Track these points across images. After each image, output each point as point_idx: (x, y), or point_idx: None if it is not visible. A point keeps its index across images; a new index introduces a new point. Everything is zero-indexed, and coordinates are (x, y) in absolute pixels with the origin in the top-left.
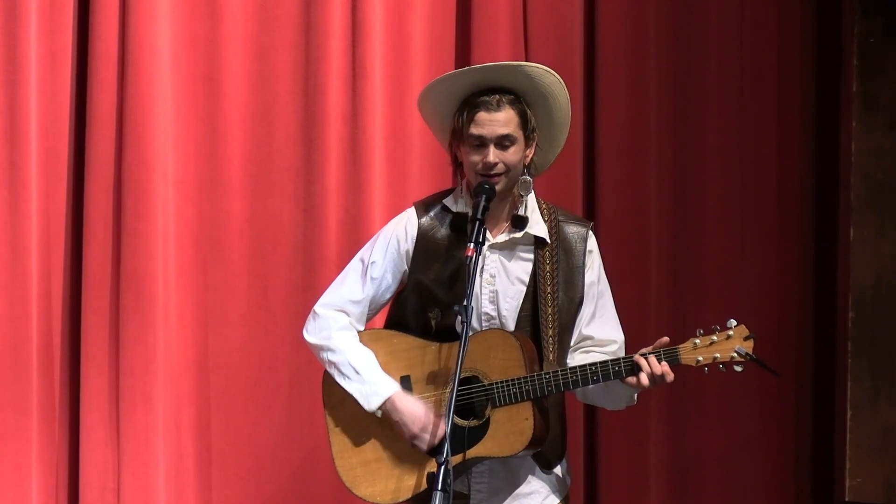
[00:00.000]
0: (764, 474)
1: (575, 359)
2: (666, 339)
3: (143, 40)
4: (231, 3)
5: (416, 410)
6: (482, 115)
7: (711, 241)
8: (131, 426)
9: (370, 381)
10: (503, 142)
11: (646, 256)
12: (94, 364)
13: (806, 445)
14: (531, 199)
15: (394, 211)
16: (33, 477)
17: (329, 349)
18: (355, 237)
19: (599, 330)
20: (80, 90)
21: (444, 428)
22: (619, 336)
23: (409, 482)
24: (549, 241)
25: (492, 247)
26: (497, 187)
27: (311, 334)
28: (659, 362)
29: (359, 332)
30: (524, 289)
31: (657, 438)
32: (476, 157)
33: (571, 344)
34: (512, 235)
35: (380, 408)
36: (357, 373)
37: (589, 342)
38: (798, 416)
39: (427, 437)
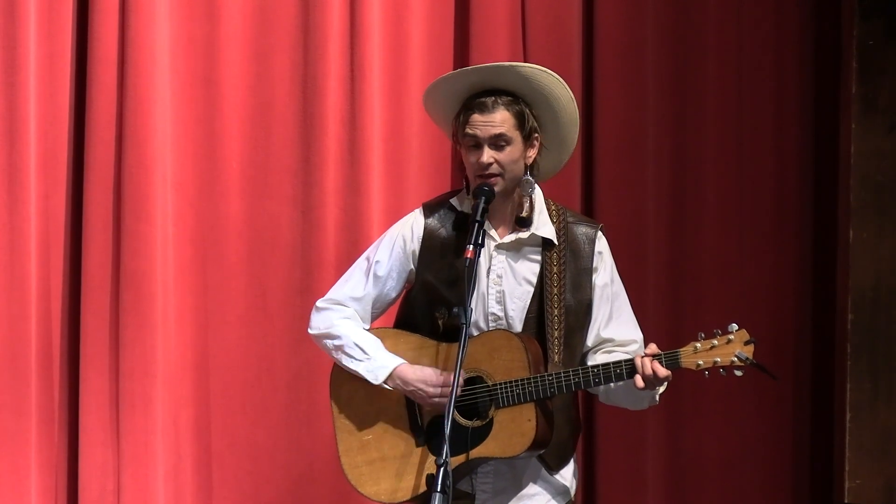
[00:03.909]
0: (763, 476)
1: (596, 360)
2: (653, 346)
3: (142, 42)
4: (229, 5)
5: (423, 374)
6: (476, 117)
7: (709, 242)
8: (130, 428)
9: (375, 356)
10: (497, 142)
11: (644, 257)
12: (94, 366)
13: (805, 447)
14: (539, 199)
15: (392, 212)
16: (32, 479)
17: (333, 336)
18: (353, 239)
19: (618, 331)
20: (80, 92)
21: (459, 379)
22: (639, 335)
23: (414, 481)
24: (556, 242)
25: (498, 247)
26: (496, 188)
27: (315, 328)
28: (661, 365)
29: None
30: (531, 290)
31: (655, 441)
32: (472, 158)
33: (590, 346)
34: (518, 236)
35: (386, 381)
36: (363, 352)
37: (609, 344)
38: (797, 418)
39: (444, 390)
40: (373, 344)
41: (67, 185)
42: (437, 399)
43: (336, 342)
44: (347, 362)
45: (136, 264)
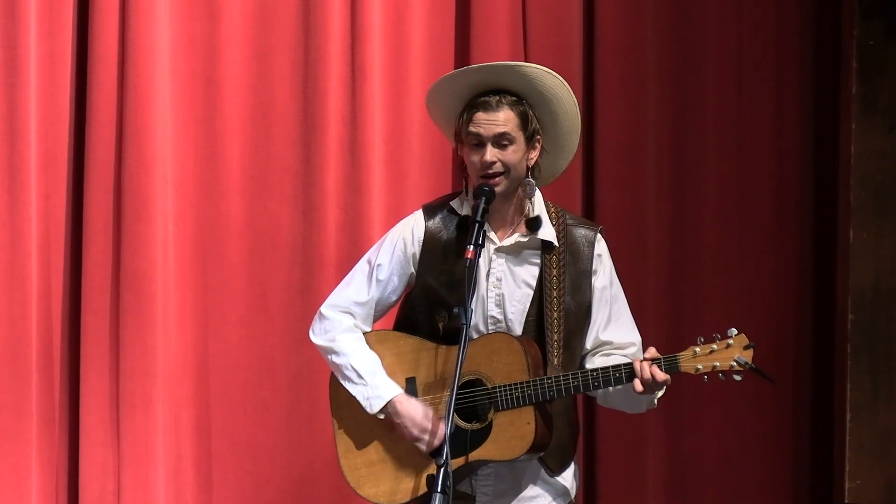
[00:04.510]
0: (763, 476)
1: (595, 362)
2: (653, 350)
3: (143, 42)
4: (230, 4)
5: (415, 413)
6: (480, 115)
7: (710, 242)
8: (131, 428)
9: (373, 384)
10: (501, 141)
11: (644, 258)
12: (94, 366)
13: (805, 447)
14: (539, 202)
15: (393, 212)
16: (33, 479)
17: (334, 352)
18: (354, 239)
19: (617, 333)
20: (80, 92)
21: (444, 430)
22: (637, 338)
23: (413, 483)
24: (556, 244)
25: (498, 250)
26: (497, 189)
27: (317, 336)
28: (660, 369)
29: (366, 333)
30: (531, 293)
31: (655, 441)
32: (475, 157)
33: (589, 348)
34: (519, 239)
35: (381, 411)
36: (360, 376)
37: (608, 346)
38: (797, 418)
39: (427, 438)
40: (371, 368)
41: (68, 185)
42: (416, 443)
43: (335, 359)
44: (344, 382)
45: (137, 264)
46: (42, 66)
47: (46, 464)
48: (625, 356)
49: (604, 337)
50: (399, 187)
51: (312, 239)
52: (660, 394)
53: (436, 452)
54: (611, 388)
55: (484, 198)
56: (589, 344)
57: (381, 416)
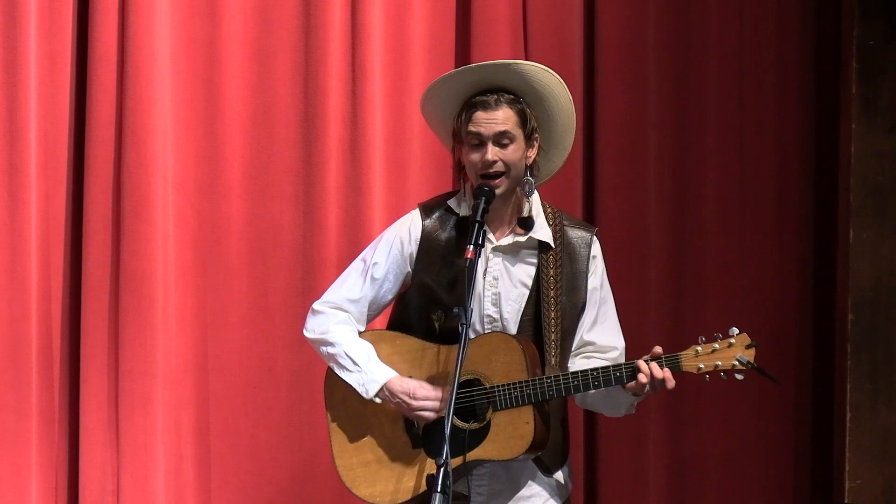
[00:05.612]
0: (763, 476)
1: (576, 364)
2: (659, 348)
3: (143, 42)
4: (230, 5)
5: (408, 387)
6: (479, 114)
7: (711, 243)
8: (131, 428)
9: (367, 369)
10: (501, 140)
11: (645, 258)
12: (94, 366)
13: (805, 447)
14: (536, 202)
15: (393, 212)
16: (33, 479)
17: (327, 343)
18: (355, 239)
19: (601, 336)
20: (80, 92)
21: (444, 393)
22: (620, 343)
23: (409, 483)
24: (553, 245)
25: (495, 249)
26: (498, 190)
27: (310, 331)
28: (661, 368)
29: (361, 332)
30: (527, 292)
31: (657, 440)
32: (475, 157)
33: (572, 349)
34: (516, 238)
35: (377, 395)
36: (355, 363)
37: (590, 348)
38: (797, 418)
39: (429, 403)
40: (365, 355)
41: (67, 185)
42: (418, 412)
43: (329, 349)
44: (339, 371)
45: (136, 265)
46: (42, 66)
47: (46, 464)
48: (605, 360)
49: (588, 337)
50: (399, 187)
51: (313, 239)
52: (640, 399)
53: (435, 449)
54: (604, 388)
55: (484, 198)
56: (573, 344)
57: (378, 401)
